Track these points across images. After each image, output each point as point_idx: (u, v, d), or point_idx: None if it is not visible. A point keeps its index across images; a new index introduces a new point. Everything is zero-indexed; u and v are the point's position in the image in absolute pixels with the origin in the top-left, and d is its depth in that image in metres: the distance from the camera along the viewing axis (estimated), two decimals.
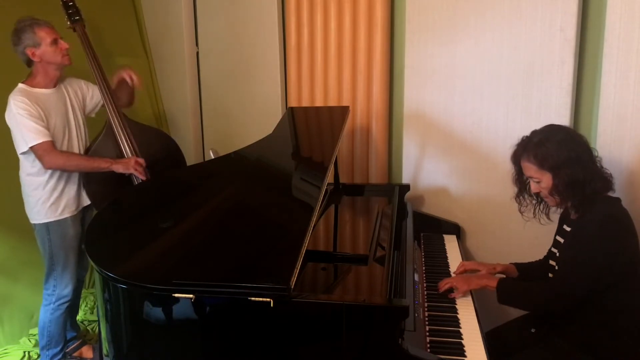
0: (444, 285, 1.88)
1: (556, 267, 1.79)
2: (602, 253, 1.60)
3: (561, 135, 1.70)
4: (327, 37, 2.77)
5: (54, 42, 2.26)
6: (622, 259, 1.61)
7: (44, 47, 2.24)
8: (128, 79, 2.53)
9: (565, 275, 1.69)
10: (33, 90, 2.28)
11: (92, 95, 2.54)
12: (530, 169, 1.73)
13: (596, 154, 1.72)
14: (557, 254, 1.80)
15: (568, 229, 1.79)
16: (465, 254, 2.43)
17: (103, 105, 2.54)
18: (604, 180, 1.69)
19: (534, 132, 1.76)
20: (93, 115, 2.58)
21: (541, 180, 1.71)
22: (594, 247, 1.61)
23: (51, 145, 2.23)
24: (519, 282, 1.86)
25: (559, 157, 1.65)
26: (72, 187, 2.41)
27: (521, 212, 1.89)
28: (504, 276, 1.93)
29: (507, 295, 1.75)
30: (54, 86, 2.36)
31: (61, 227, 2.38)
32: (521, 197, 1.88)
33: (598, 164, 1.71)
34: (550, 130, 1.73)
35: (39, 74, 2.30)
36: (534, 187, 1.77)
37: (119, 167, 2.32)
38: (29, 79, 2.31)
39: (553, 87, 2.25)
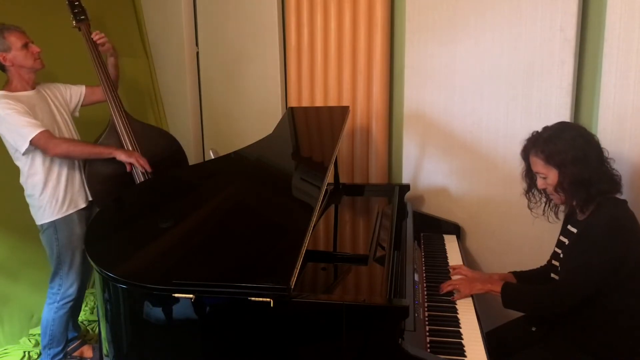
0: (446, 287, 1.88)
1: (559, 268, 1.79)
2: (608, 256, 1.59)
3: (572, 133, 1.70)
4: (327, 37, 2.77)
5: (25, 46, 2.27)
6: (627, 261, 1.60)
7: (14, 51, 2.25)
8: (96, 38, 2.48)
9: (569, 278, 1.68)
10: (14, 94, 2.27)
11: (70, 95, 2.54)
12: (537, 163, 1.74)
13: (607, 155, 1.71)
14: (561, 255, 1.79)
15: (573, 229, 1.78)
16: (465, 254, 2.43)
17: (101, 103, 2.54)
18: (612, 181, 1.68)
19: (545, 128, 1.76)
20: (77, 114, 2.58)
21: (547, 176, 1.71)
22: (599, 250, 1.60)
23: (50, 133, 2.24)
24: (523, 286, 1.84)
25: (567, 155, 1.65)
26: (75, 181, 2.42)
27: (530, 209, 1.89)
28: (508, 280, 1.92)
29: (511, 299, 1.74)
30: (32, 88, 2.36)
31: (68, 226, 2.38)
32: (530, 194, 1.88)
33: (607, 165, 1.70)
34: (562, 128, 1.74)
35: (14, 79, 2.30)
36: (540, 182, 1.76)
37: (121, 154, 2.31)
38: (6, 86, 2.31)
39: (553, 87, 2.25)
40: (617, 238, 1.60)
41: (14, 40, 2.25)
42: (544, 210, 1.88)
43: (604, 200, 1.68)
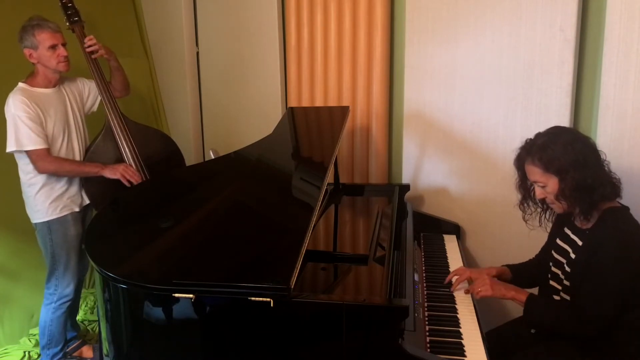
0: (473, 290, 1.79)
1: (564, 280, 1.72)
2: (628, 277, 1.54)
3: (567, 137, 1.62)
4: (327, 37, 2.77)
5: (52, 47, 2.26)
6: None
7: (41, 50, 2.25)
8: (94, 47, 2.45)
9: (591, 304, 1.59)
10: (33, 90, 2.29)
11: (88, 92, 2.54)
12: (535, 172, 1.65)
13: (604, 158, 1.64)
14: (566, 267, 1.71)
15: (575, 238, 1.71)
16: (465, 254, 2.43)
17: (102, 103, 2.54)
18: (613, 185, 1.62)
19: (538, 135, 1.68)
20: (95, 109, 2.58)
21: (546, 184, 1.63)
22: (616, 272, 1.54)
23: (45, 152, 2.25)
24: (547, 302, 1.77)
25: (566, 160, 1.57)
26: (74, 185, 2.42)
27: (525, 220, 1.80)
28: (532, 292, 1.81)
29: (534, 313, 1.69)
30: (54, 86, 2.37)
31: (62, 226, 2.38)
32: (525, 204, 1.79)
33: (606, 168, 1.64)
34: (556, 132, 1.66)
35: (39, 74, 2.32)
36: (538, 192, 1.68)
37: (106, 172, 2.32)
38: (29, 79, 2.32)
39: (553, 87, 2.25)
40: (630, 255, 1.54)
41: (43, 39, 2.24)
42: (540, 221, 1.80)
43: (609, 211, 1.61)
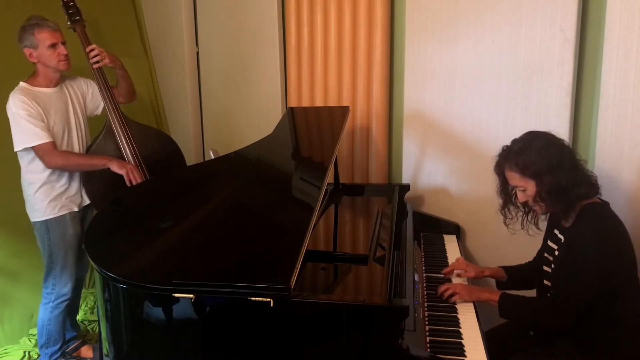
0: (445, 291, 1.85)
1: (551, 278, 1.76)
2: (603, 269, 1.58)
3: (541, 141, 1.69)
4: (327, 37, 2.77)
5: (52, 46, 2.26)
6: (621, 269, 1.61)
7: (40, 49, 2.25)
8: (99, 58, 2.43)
9: (566, 294, 1.66)
10: (34, 89, 2.29)
11: (92, 94, 2.54)
12: (514, 177, 1.72)
13: (579, 158, 1.71)
14: (553, 265, 1.77)
15: (560, 236, 1.77)
16: (465, 254, 2.43)
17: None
18: (589, 185, 1.67)
19: (514, 141, 1.75)
20: (99, 113, 2.57)
21: (526, 188, 1.70)
22: (593, 265, 1.59)
23: (51, 145, 2.25)
24: (521, 298, 1.81)
25: (541, 164, 1.64)
26: (73, 185, 2.42)
27: (506, 225, 1.87)
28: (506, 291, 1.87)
29: (508, 310, 1.75)
30: (55, 86, 2.37)
31: (60, 226, 2.38)
32: (506, 210, 1.86)
33: (582, 169, 1.69)
34: (530, 138, 1.72)
35: (40, 74, 2.32)
36: (520, 196, 1.75)
37: (114, 165, 2.32)
38: (30, 78, 2.32)
39: (553, 87, 2.25)
40: (605, 248, 1.59)
41: (43, 39, 2.24)
42: (522, 224, 1.85)
43: (588, 207, 1.67)
